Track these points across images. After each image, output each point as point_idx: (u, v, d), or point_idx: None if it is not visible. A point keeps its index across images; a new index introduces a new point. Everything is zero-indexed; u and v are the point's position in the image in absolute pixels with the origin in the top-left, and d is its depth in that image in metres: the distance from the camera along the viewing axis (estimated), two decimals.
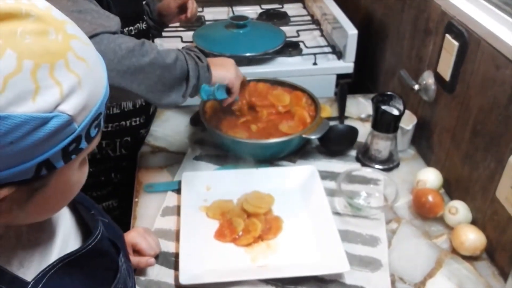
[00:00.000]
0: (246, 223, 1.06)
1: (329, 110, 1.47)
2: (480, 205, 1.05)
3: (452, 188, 1.17)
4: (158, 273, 0.98)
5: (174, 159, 1.30)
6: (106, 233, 0.64)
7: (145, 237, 0.97)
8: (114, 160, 1.30)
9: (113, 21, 0.95)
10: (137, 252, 0.96)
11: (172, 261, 1.01)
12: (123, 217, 1.35)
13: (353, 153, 1.32)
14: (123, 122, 1.27)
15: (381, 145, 1.24)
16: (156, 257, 1.00)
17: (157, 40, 1.75)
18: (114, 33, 0.93)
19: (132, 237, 0.96)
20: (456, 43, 1.08)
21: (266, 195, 1.14)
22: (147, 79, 0.96)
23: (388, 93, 1.23)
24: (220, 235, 1.05)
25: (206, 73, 1.05)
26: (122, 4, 1.11)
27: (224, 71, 1.11)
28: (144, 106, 1.30)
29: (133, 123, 1.29)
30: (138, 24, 1.22)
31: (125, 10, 1.13)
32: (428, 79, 1.22)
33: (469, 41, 1.05)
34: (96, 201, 1.30)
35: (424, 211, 1.11)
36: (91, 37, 0.85)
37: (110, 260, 0.62)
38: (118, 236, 0.72)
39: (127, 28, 1.16)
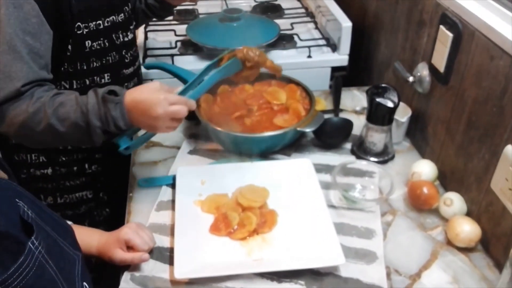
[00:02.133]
0: (241, 217, 1.06)
1: (323, 103, 1.47)
2: (475, 196, 1.05)
3: (447, 180, 1.17)
4: (153, 268, 0.98)
5: (168, 153, 1.29)
6: (21, 216, 0.63)
7: (138, 233, 0.97)
8: (87, 151, 1.27)
9: (12, 81, 0.97)
10: (131, 248, 0.96)
11: (167, 256, 1.00)
12: (99, 208, 1.35)
13: (348, 145, 1.31)
14: None
15: (376, 138, 1.23)
16: (151, 251, 1.00)
17: (151, 34, 1.74)
18: (6, 100, 0.97)
19: (124, 233, 0.95)
20: (450, 35, 1.08)
21: (261, 189, 1.13)
22: (46, 141, 1.04)
23: (383, 85, 1.23)
24: (215, 229, 1.05)
25: (116, 130, 1.02)
26: (84, 2, 1.08)
27: (145, 123, 1.02)
28: None
29: None
30: (113, 17, 1.17)
31: (91, 4, 1.11)
32: (423, 71, 1.22)
33: (463, 32, 1.05)
34: (69, 191, 1.30)
35: (419, 203, 1.11)
36: None
37: (12, 242, 0.61)
38: (52, 223, 0.71)
39: (94, 22, 1.12)
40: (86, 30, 1.11)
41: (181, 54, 1.60)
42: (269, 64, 1.16)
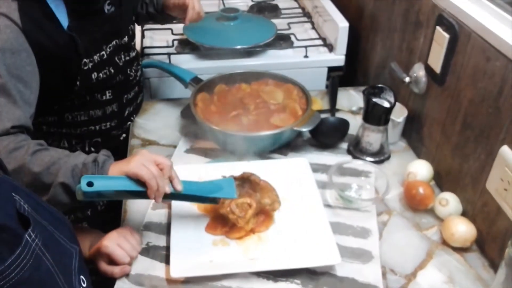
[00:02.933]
0: None
1: (320, 103, 1.47)
2: (470, 196, 1.06)
3: (442, 180, 1.18)
4: (149, 266, 0.98)
5: (164, 152, 1.29)
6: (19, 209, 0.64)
7: (119, 243, 0.95)
8: (88, 145, 1.28)
9: (2, 121, 0.92)
10: (113, 261, 0.95)
11: (163, 254, 1.00)
12: (92, 206, 1.35)
13: (344, 145, 1.32)
14: (92, 127, 1.24)
15: (372, 138, 1.24)
16: (147, 250, 1.00)
17: (148, 33, 1.74)
18: None
19: (104, 247, 0.94)
20: (446, 36, 1.09)
21: None
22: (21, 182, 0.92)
23: (379, 85, 1.23)
24: (211, 228, 1.05)
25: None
26: (89, 38, 1.09)
27: (123, 162, 0.93)
28: (116, 112, 1.27)
29: (103, 127, 1.27)
30: (116, 41, 1.19)
31: (93, 38, 1.12)
32: (419, 71, 1.23)
33: (460, 33, 1.05)
34: None
35: (414, 203, 1.11)
36: None
37: (9, 234, 0.61)
38: (49, 217, 0.71)
39: (98, 54, 1.13)
40: (91, 64, 1.12)
41: (178, 53, 1.60)
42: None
